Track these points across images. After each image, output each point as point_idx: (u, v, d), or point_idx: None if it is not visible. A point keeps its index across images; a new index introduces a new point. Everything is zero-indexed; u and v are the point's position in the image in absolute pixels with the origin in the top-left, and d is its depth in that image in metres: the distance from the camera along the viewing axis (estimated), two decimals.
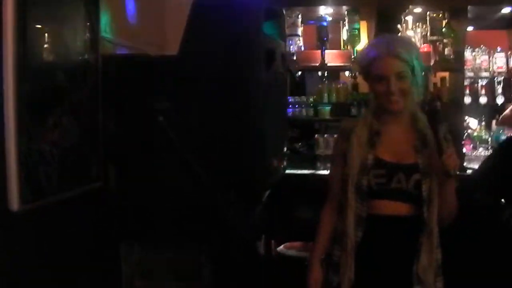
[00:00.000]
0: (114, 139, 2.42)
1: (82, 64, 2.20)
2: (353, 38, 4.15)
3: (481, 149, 4.20)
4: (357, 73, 4.10)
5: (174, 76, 2.42)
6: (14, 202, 1.74)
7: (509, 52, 4.35)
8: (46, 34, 1.93)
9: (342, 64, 4.28)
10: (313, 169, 4.03)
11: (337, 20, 4.38)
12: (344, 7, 4.21)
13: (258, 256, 2.83)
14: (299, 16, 4.22)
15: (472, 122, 4.44)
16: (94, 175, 2.29)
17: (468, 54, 4.24)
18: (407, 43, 1.97)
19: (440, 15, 4.12)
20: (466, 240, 2.91)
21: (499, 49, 4.31)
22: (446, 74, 4.18)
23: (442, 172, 1.76)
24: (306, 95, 4.41)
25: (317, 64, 4.21)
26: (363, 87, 3.99)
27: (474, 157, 4.05)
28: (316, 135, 4.15)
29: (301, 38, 4.27)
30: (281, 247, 3.61)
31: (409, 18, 4.27)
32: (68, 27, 2.10)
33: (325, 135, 4.11)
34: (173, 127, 2.35)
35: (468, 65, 4.23)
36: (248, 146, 2.43)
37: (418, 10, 4.24)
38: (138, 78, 2.45)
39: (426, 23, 4.18)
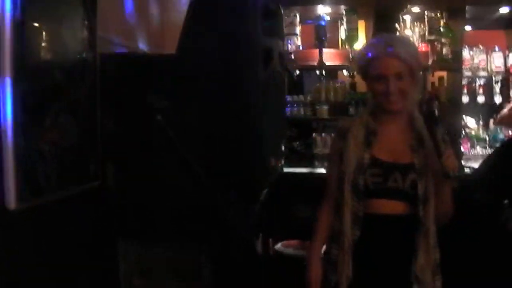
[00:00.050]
0: (113, 138, 2.42)
1: (80, 63, 2.19)
2: (351, 37, 4.16)
3: (478, 148, 4.22)
4: (355, 73, 4.11)
5: (173, 75, 2.42)
6: (12, 201, 1.74)
7: (507, 52, 4.36)
8: (43, 33, 1.92)
9: (340, 64, 4.29)
10: (310, 168, 4.05)
11: (335, 20, 4.39)
12: (342, 7, 4.23)
13: (257, 255, 2.83)
14: (297, 15, 4.23)
15: (470, 122, 4.45)
16: (92, 174, 2.29)
17: (466, 53, 4.25)
18: (406, 43, 1.97)
19: (438, 14, 4.13)
20: (465, 239, 2.92)
21: (497, 48, 4.33)
22: (444, 73, 4.19)
23: (441, 174, 1.76)
24: (304, 94, 4.41)
25: (315, 63, 4.21)
26: (361, 86, 4.00)
27: (472, 156, 4.07)
28: (314, 134, 4.17)
29: (299, 37, 4.29)
30: (279, 245, 3.62)
31: (407, 18, 4.27)
32: (66, 25, 2.09)
33: (323, 134, 4.12)
34: (172, 126, 2.35)
35: (466, 65, 4.25)
36: (247, 146, 2.43)
37: (416, 9, 4.25)
38: (137, 76, 2.45)
39: (424, 22, 4.19)
